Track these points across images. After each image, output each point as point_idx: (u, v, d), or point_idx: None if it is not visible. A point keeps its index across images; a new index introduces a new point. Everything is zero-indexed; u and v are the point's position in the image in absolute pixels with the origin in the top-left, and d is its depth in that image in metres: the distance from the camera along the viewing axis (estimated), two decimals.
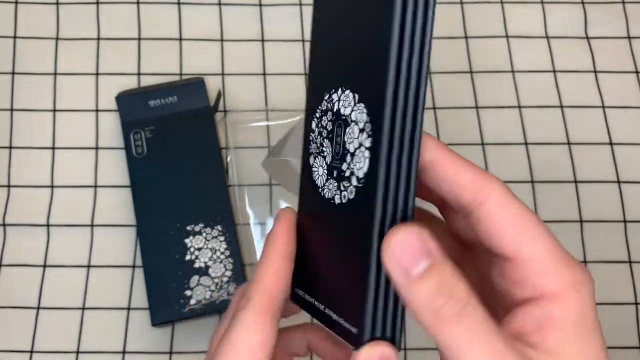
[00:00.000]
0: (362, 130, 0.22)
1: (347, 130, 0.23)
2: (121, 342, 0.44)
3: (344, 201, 0.24)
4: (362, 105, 0.23)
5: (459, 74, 0.51)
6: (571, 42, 0.52)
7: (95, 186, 0.48)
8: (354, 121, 0.23)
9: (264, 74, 0.51)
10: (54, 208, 0.47)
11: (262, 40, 0.52)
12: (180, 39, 0.52)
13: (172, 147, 0.47)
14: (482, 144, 0.49)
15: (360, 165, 0.23)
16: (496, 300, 0.24)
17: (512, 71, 0.51)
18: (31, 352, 0.44)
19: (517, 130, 0.50)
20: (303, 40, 0.52)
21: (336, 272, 0.24)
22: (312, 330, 0.31)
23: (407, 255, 0.21)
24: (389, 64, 0.21)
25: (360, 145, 0.22)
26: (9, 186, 0.47)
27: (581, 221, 0.47)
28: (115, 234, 0.47)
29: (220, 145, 0.48)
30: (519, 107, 0.50)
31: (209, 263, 0.44)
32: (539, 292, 0.22)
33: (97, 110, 0.50)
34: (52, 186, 0.48)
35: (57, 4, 0.52)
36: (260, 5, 0.53)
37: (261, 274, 0.25)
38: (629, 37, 0.53)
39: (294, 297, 0.27)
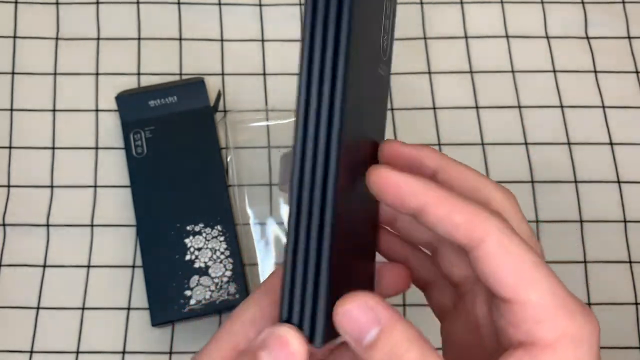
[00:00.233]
0: None
1: None
2: (121, 342, 0.44)
3: None
4: None
5: (459, 74, 0.51)
6: (571, 42, 0.52)
7: (95, 186, 0.48)
8: None
9: (264, 74, 0.51)
10: (54, 208, 0.47)
11: (262, 40, 0.52)
12: (180, 39, 0.52)
13: (172, 147, 0.47)
14: (482, 144, 0.49)
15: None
16: (497, 333, 0.24)
17: (512, 71, 0.51)
18: (31, 352, 0.44)
19: (517, 130, 0.50)
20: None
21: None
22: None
23: (354, 326, 0.21)
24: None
25: None
26: (9, 186, 0.47)
27: (581, 221, 0.47)
28: (115, 234, 0.47)
29: (220, 145, 0.48)
30: (519, 107, 0.50)
31: (209, 263, 0.44)
32: (533, 339, 0.22)
33: (97, 110, 0.50)
34: (52, 186, 0.48)
35: (57, 4, 0.52)
36: (260, 5, 0.53)
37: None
38: (629, 37, 0.53)
39: None
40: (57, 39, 0.51)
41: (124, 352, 0.44)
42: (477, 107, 0.50)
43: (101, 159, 0.48)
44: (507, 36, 0.52)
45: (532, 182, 0.48)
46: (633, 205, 0.48)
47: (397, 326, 0.21)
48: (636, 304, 0.46)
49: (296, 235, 0.22)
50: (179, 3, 0.53)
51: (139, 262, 0.45)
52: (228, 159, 0.48)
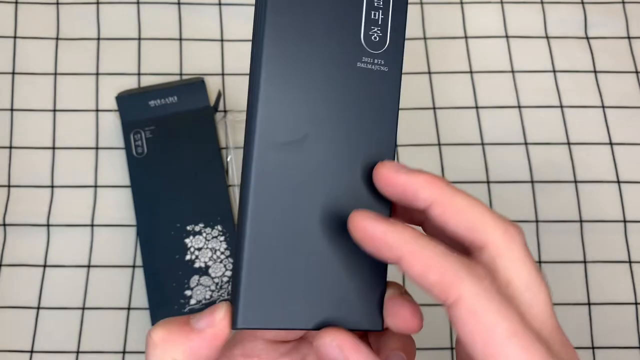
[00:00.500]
0: None
1: None
2: (121, 342, 0.44)
3: None
4: None
5: (459, 74, 0.51)
6: (571, 42, 0.52)
7: (96, 186, 0.48)
8: None
9: None
10: (54, 208, 0.47)
11: None
12: (180, 39, 0.52)
13: (172, 147, 0.47)
14: (482, 144, 0.49)
15: None
16: None
17: (512, 71, 0.51)
18: (31, 352, 0.44)
19: (517, 130, 0.50)
20: None
21: None
22: None
23: None
24: None
25: None
26: (9, 186, 0.48)
27: (581, 221, 0.47)
28: (115, 234, 0.47)
29: (220, 145, 0.48)
30: (519, 107, 0.50)
31: (209, 263, 0.44)
32: None
33: (97, 110, 0.50)
34: (52, 186, 0.48)
35: (57, 4, 0.52)
36: None
37: None
38: (628, 37, 0.53)
39: None
40: (57, 39, 0.51)
41: (124, 352, 0.44)
42: (477, 107, 0.50)
43: (101, 159, 0.48)
44: (506, 36, 0.52)
45: (532, 182, 0.48)
46: (633, 205, 0.48)
47: None
48: (636, 303, 0.46)
49: (238, 233, 0.25)
50: (179, 3, 0.53)
51: (139, 262, 0.45)
52: (228, 159, 0.48)
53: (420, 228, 0.26)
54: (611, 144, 0.50)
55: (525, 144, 0.49)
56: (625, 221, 0.48)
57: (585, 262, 0.47)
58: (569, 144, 0.49)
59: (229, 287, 0.43)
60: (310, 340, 0.28)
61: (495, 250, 0.23)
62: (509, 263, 0.23)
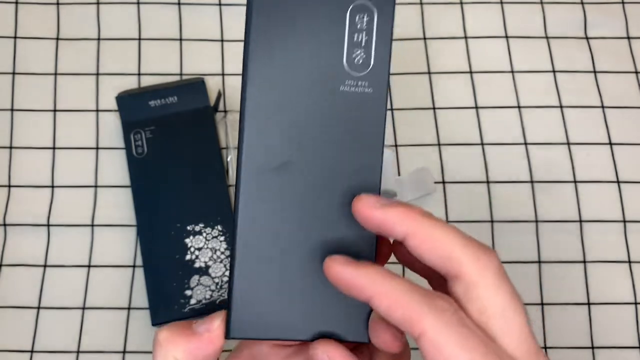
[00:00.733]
0: None
1: None
2: (121, 342, 0.44)
3: None
4: None
5: (459, 74, 0.51)
6: (571, 42, 0.52)
7: (96, 186, 0.48)
8: None
9: None
10: (54, 208, 0.47)
11: None
12: (180, 39, 0.52)
13: (172, 147, 0.47)
14: (482, 144, 0.49)
15: None
16: None
17: (512, 71, 0.51)
18: (31, 352, 0.44)
19: (517, 130, 0.50)
20: None
21: None
22: None
23: None
24: None
25: None
26: (9, 186, 0.48)
27: (581, 221, 0.47)
28: (115, 234, 0.47)
29: (220, 145, 0.48)
30: (519, 107, 0.50)
31: (209, 263, 0.44)
32: None
33: (97, 111, 0.50)
34: (52, 186, 0.48)
35: (57, 4, 0.52)
36: None
37: None
38: (628, 37, 0.53)
39: None
40: (57, 39, 0.51)
41: (124, 352, 0.44)
42: (477, 107, 0.50)
43: (101, 159, 0.48)
44: (506, 36, 0.52)
45: (532, 182, 0.48)
46: (633, 205, 0.48)
47: None
48: (635, 303, 0.46)
49: (231, 247, 0.26)
50: (179, 3, 0.53)
51: (139, 262, 0.45)
52: (228, 159, 0.48)
53: None
54: (611, 144, 0.50)
55: (525, 144, 0.49)
56: (624, 221, 0.48)
57: (584, 262, 0.47)
58: (568, 144, 0.50)
59: None
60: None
61: (468, 279, 0.24)
62: (482, 291, 0.24)
